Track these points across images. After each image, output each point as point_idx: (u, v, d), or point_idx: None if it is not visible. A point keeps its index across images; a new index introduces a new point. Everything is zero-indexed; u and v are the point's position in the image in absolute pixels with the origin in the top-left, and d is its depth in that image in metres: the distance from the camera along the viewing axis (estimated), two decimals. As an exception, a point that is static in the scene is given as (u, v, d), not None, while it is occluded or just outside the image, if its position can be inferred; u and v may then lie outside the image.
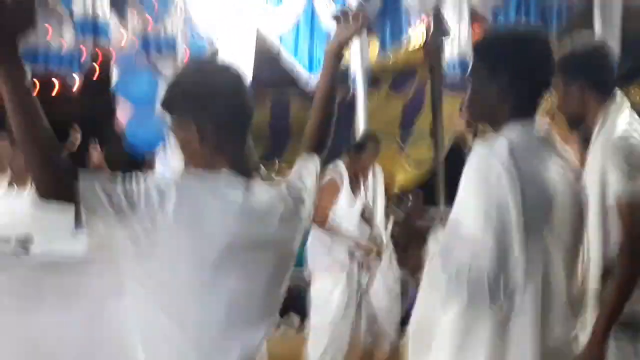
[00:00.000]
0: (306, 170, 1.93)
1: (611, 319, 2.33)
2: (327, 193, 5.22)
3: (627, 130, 2.56)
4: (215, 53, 6.91)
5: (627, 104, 2.67)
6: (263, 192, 1.76)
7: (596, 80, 2.64)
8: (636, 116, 2.69)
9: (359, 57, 7.45)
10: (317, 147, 2.04)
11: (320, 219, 5.19)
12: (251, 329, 1.71)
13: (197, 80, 1.77)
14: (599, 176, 2.44)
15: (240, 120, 1.79)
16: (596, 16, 6.19)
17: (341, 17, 2.03)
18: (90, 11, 7.08)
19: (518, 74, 2.02)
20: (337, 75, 2.09)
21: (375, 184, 6.09)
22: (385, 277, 5.91)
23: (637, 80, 6.28)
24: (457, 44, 6.89)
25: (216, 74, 1.81)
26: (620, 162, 2.45)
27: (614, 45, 5.99)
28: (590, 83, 2.64)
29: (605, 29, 6.05)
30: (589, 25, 6.00)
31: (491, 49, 2.10)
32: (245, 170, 1.76)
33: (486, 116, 2.11)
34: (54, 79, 8.24)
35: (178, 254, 1.65)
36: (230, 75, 1.81)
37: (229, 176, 1.72)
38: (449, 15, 7.04)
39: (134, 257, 1.64)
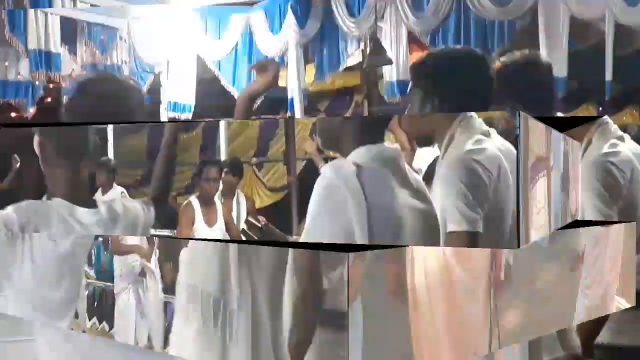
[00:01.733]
0: None
1: None
2: None
3: None
4: None
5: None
6: None
7: (527, 100, 2.37)
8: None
9: (296, 81, 7.36)
10: None
11: None
12: None
13: None
14: None
15: None
16: (541, 35, 6.09)
17: (257, 68, 2.00)
18: (43, 44, 8.02)
19: (452, 98, 1.94)
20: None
21: None
22: None
23: (590, 101, 6.18)
24: (396, 67, 6.85)
25: None
26: None
27: (562, 66, 5.89)
28: (521, 104, 2.36)
29: (551, 48, 5.94)
30: (534, 45, 5.91)
31: (426, 72, 2.04)
32: None
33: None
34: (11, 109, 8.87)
35: None
36: None
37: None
38: (387, 39, 6.97)
39: None
